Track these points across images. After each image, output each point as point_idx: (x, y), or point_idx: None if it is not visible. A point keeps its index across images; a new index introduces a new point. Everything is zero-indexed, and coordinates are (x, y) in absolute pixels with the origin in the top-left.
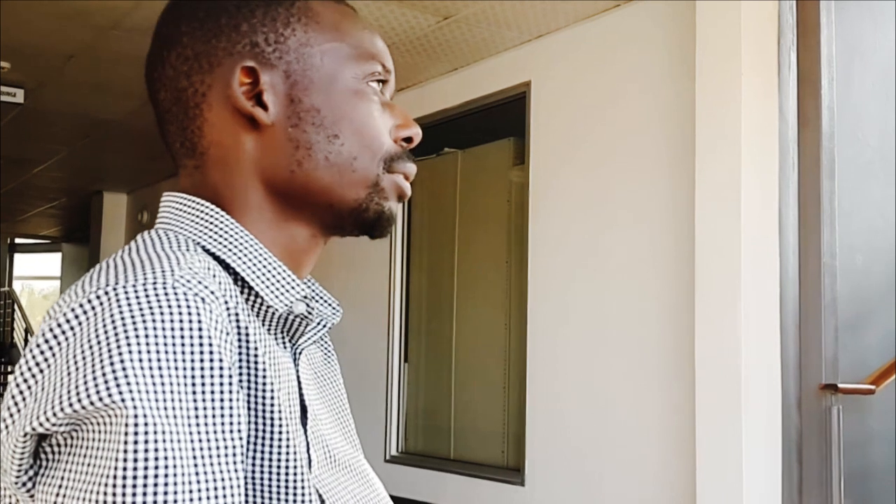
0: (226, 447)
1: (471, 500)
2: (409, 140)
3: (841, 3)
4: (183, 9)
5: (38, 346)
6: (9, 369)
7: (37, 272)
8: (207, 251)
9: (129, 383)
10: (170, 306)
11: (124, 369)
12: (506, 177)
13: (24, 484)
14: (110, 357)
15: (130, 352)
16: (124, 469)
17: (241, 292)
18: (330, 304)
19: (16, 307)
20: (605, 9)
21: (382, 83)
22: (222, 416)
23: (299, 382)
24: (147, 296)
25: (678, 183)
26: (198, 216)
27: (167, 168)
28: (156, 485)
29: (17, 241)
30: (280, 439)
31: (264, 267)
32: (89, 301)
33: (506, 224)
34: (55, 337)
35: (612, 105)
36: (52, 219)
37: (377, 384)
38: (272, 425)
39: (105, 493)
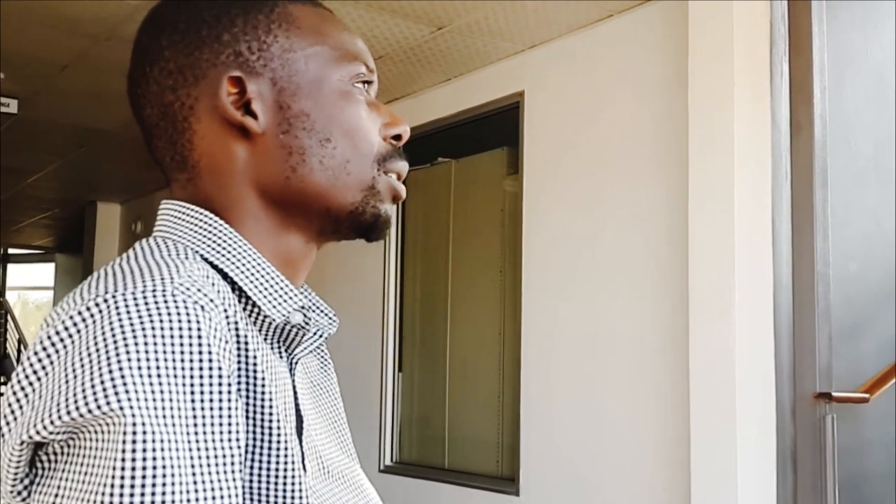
0: (224, 455)
1: None
2: (398, 138)
3: (832, 12)
4: (162, 22)
5: (35, 353)
6: (1, 380)
7: (30, 282)
8: (206, 260)
9: (127, 391)
10: (169, 314)
11: (123, 377)
12: (500, 186)
13: (19, 493)
14: (109, 365)
15: (129, 360)
16: (122, 477)
17: (239, 301)
18: (327, 315)
19: (9, 318)
20: (598, 18)
21: (367, 84)
22: (221, 424)
23: (295, 392)
24: (147, 303)
25: (671, 191)
26: (196, 225)
27: (161, 178)
28: (153, 493)
29: (11, 251)
30: (279, 448)
31: (262, 277)
32: (88, 309)
33: (499, 233)
34: (53, 345)
35: (606, 114)
36: (45, 229)
37: (371, 393)
38: (271, 434)
39: (102, 502)
